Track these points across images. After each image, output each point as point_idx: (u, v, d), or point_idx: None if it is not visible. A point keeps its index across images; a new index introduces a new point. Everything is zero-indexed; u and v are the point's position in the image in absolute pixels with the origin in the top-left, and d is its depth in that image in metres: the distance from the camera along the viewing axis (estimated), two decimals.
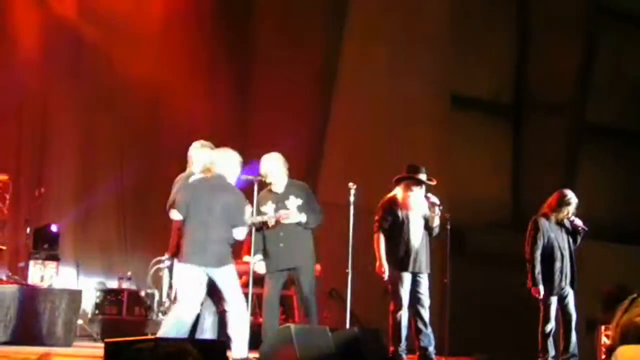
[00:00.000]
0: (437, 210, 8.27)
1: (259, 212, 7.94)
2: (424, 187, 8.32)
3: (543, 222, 8.48)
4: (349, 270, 8.20)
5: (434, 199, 8.28)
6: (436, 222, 8.34)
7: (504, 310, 11.89)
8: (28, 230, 10.12)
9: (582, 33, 13.74)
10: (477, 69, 13.23)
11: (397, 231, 8.26)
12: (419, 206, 8.32)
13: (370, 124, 11.95)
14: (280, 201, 8.00)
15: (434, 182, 8.35)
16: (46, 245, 9.77)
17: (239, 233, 7.10)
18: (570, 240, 8.52)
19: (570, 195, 8.54)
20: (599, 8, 13.81)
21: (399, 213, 8.24)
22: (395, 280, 8.21)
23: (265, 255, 8.06)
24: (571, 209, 8.49)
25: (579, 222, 8.49)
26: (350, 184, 8.29)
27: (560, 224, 8.51)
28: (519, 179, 13.71)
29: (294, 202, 8.01)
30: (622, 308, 1.97)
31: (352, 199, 8.31)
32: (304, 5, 12.10)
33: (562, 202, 8.50)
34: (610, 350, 1.83)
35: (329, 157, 11.34)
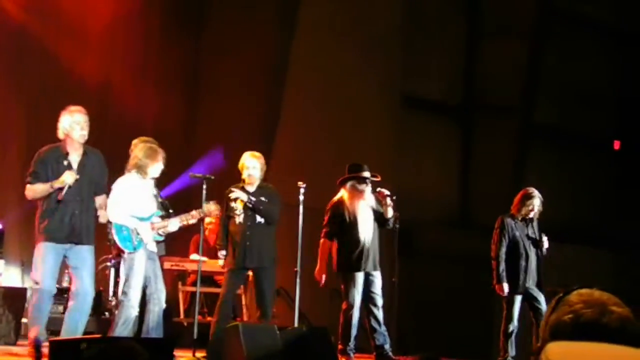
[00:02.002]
0: (388, 201, 8.29)
1: (228, 207, 8.00)
2: (369, 184, 8.35)
3: (509, 220, 8.59)
4: (298, 269, 8.21)
5: (385, 190, 8.30)
6: (390, 212, 8.36)
7: (451, 308, 11.97)
8: None
9: (530, 35, 13.87)
10: (427, 70, 13.30)
11: (346, 232, 8.28)
12: (366, 205, 8.35)
13: (320, 123, 11.95)
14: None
15: (378, 178, 8.40)
16: None
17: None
18: (537, 241, 8.62)
19: (533, 190, 8.68)
20: (547, 10, 13.94)
21: (347, 214, 8.27)
22: (348, 280, 8.24)
23: (230, 251, 8.08)
24: (535, 202, 8.60)
25: (535, 227, 8.62)
26: (300, 183, 8.31)
27: (526, 222, 8.61)
28: (468, 178, 13.81)
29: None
30: (550, 307, 1.98)
31: (301, 197, 8.33)
32: (255, 0, 12.06)
33: (525, 197, 8.63)
34: (540, 350, 1.83)
35: (278, 156, 11.31)
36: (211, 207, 7.86)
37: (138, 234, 7.50)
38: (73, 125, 7.34)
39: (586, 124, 14.41)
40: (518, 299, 8.50)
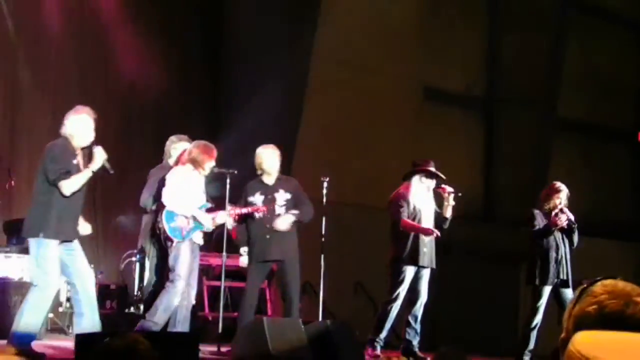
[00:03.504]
0: (451, 199, 8.26)
1: (247, 202, 8.02)
2: (434, 179, 8.33)
3: (537, 212, 8.56)
4: (322, 263, 8.22)
5: (449, 187, 8.27)
6: (449, 212, 8.33)
7: (476, 302, 11.96)
8: None
9: (553, 27, 13.81)
10: (449, 62, 13.26)
11: None
12: (430, 199, 8.34)
13: (342, 117, 11.95)
14: (269, 193, 8.07)
15: (444, 177, 8.35)
16: (17, 239, 9.68)
17: None
18: (564, 235, 8.59)
19: (560, 184, 8.64)
20: (570, 2, 13.88)
21: (410, 206, 8.23)
22: (398, 273, 8.19)
23: (250, 245, 8.10)
24: (562, 196, 8.56)
25: (567, 211, 8.55)
26: (323, 178, 8.32)
27: (550, 215, 8.57)
28: (491, 171, 13.78)
29: (282, 195, 8.09)
30: (574, 299, 1.98)
31: (324, 192, 8.33)
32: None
33: (553, 191, 8.59)
34: (564, 342, 1.84)
35: (301, 150, 11.33)
36: (222, 217, 7.90)
37: (198, 222, 7.58)
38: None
39: (610, 116, 14.34)
40: (547, 290, 8.46)
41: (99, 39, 11.61)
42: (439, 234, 8.11)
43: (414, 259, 8.16)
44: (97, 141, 7.15)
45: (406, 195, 8.24)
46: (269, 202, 8.03)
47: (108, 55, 11.69)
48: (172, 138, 8.28)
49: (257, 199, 8.06)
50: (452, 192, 8.24)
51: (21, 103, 11.28)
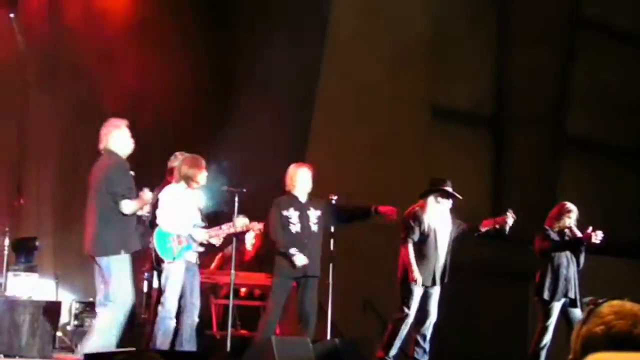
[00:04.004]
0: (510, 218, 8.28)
1: (281, 216, 8.07)
2: (450, 199, 8.33)
3: (549, 231, 8.55)
4: (330, 281, 8.22)
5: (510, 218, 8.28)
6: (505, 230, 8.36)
7: (488, 319, 11.92)
8: (7, 241, 10.05)
9: (561, 45, 13.82)
10: (457, 80, 13.26)
11: (422, 243, 8.25)
12: (446, 218, 8.34)
13: (350, 137, 11.95)
14: (304, 209, 8.13)
15: (461, 197, 8.35)
16: (25, 257, 9.70)
17: None
18: (572, 254, 8.58)
19: (570, 205, 8.64)
20: (578, 20, 13.89)
21: (425, 225, 8.24)
22: (410, 291, 8.18)
23: (280, 259, 8.11)
24: (572, 216, 8.56)
25: (576, 231, 8.54)
26: (331, 196, 8.35)
27: (561, 235, 8.57)
28: (499, 189, 13.76)
29: (314, 213, 8.19)
30: (581, 320, 1.98)
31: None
32: (283, 15, 12.10)
33: (563, 211, 8.59)
34: None
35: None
36: (242, 222, 7.94)
37: (193, 239, 7.60)
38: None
39: (618, 134, 14.32)
40: (556, 308, 8.44)
41: (105, 54, 11.64)
42: (418, 280, 8.08)
43: (423, 278, 8.16)
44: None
45: (420, 214, 8.24)
46: (304, 218, 8.11)
47: (115, 71, 11.71)
48: (177, 154, 8.32)
49: (292, 214, 8.15)
50: (512, 217, 8.26)
51: (30, 121, 11.32)
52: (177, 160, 8.17)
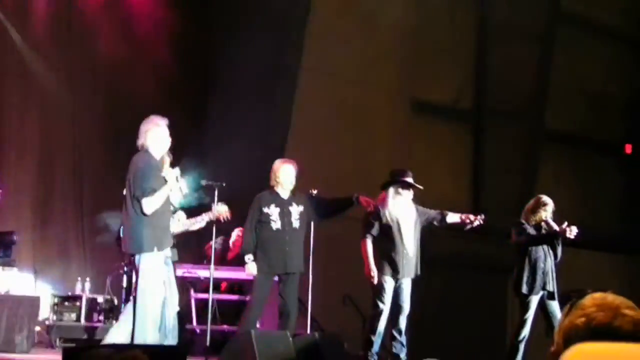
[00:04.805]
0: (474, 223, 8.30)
1: (261, 213, 8.06)
2: (412, 190, 8.34)
3: (525, 225, 8.57)
4: (310, 275, 8.23)
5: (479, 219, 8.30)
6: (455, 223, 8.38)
7: (466, 312, 11.96)
8: None
9: (540, 40, 13.87)
10: (437, 75, 13.29)
11: (385, 236, 8.25)
12: (409, 209, 8.33)
13: (329, 131, 11.96)
14: (285, 206, 8.11)
15: (421, 187, 8.36)
16: (3, 252, 9.64)
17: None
18: (549, 247, 8.60)
19: (546, 198, 8.65)
20: (557, 15, 13.93)
21: (387, 218, 8.24)
22: (380, 286, 8.19)
23: (261, 256, 8.09)
24: (548, 209, 8.58)
25: (553, 224, 8.56)
26: (311, 190, 8.34)
27: (538, 228, 8.59)
28: (478, 184, 13.80)
29: (296, 209, 8.16)
30: (564, 313, 1.99)
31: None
32: (262, 11, 12.08)
33: (539, 205, 8.60)
34: (555, 355, 1.84)
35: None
36: (221, 209, 7.95)
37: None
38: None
39: (597, 128, 14.39)
40: (534, 301, 8.46)
41: (84, 48, 11.60)
42: (375, 281, 8.12)
43: (391, 271, 8.17)
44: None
45: (379, 209, 8.27)
46: (286, 215, 8.09)
47: (93, 65, 11.66)
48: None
49: (273, 210, 8.12)
50: (479, 222, 8.26)
51: (8, 115, 11.26)
52: None
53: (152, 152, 7.17)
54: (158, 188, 6.98)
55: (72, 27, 11.62)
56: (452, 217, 8.39)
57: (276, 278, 8.24)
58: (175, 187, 7.15)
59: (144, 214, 6.94)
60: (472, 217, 8.30)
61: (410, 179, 8.30)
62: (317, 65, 11.93)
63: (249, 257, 8.10)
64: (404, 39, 12.80)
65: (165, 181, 7.06)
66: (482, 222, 8.27)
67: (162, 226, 7.14)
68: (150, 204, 6.95)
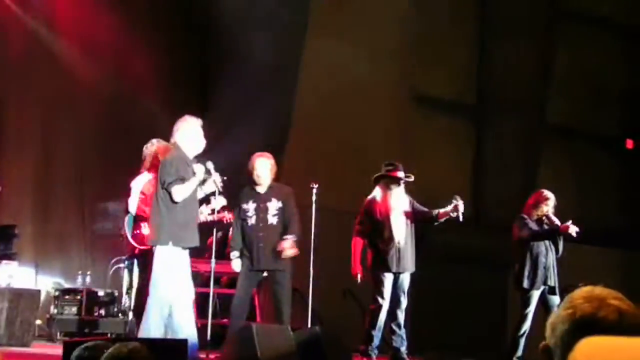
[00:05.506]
0: (456, 213, 8.25)
1: (240, 209, 8.05)
2: (402, 184, 8.34)
3: (527, 219, 8.57)
4: (311, 269, 8.23)
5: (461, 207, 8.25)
6: (443, 218, 8.34)
7: (466, 306, 11.96)
8: None
9: (542, 34, 13.84)
10: (439, 69, 13.27)
11: (379, 231, 8.26)
12: (400, 203, 8.33)
13: (332, 125, 11.94)
14: (262, 202, 8.06)
15: (412, 179, 8.36)
16: (4, 245, 9.65)
17: None
18: (551, 242, 8.60)
19: (547, 192, 8.66)
20: (560, 9, 13.91)
21: (379, 213, 8.24)
22: (378, 280, 8.21)
23: (242, 253, 8.09)
24: (550, 204, 8.58)
25: (554, 218, 8.56)
26: (312, 184, 8.33)
27: (539, 223, 8.59)
28: (481, 178, 13.79)
29: (274, 204, 8.09)
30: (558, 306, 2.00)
31: (314, 198, 8.35)
32: (263, 8, 12.06)
33: (540, 199, 8.61)
34: (546, 349, 1.84)
35: (291, 157, 11.32)
36: (220, 202, 7.93)
37: None
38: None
39: (599, 123, 14.37)
40: (535, 296, 8.47)
41: (85, 45, 11.59)
42: (359, 280, 8.13)
43: (388, 266, 8.19)
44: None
45: (369, 206, 8.29)
46: (261, 211, 8.03)
47: (93, 62, 11.65)
48: (152, 141, 8.32)
49: (250, 206, 8.07)
50: (459, 213, 8.20)
51: (9, 109, 11.26)
52: (153, 146, 8.17)
53: (182, 148, 7.21)
54: (187, 178, 7.03)
55: (73, 24, 11.60)
56: (442, 216, 8.36)
57: (266, 274, 8.24)
58: (208, 180, 7.22)
59: (174, 202, 7.00)
60: (456, 206, 8.21)
61: (400, 173, 8.30)
62: (319, 58, 11.91)
63: (233, 254, 8.11)
64: (404, 34, 12.78)
65: (194, 173, 7.10)
66: (461, 200, 8.19)
67: (180, 222, 7.13)
68: (179, 192, 7.00)
